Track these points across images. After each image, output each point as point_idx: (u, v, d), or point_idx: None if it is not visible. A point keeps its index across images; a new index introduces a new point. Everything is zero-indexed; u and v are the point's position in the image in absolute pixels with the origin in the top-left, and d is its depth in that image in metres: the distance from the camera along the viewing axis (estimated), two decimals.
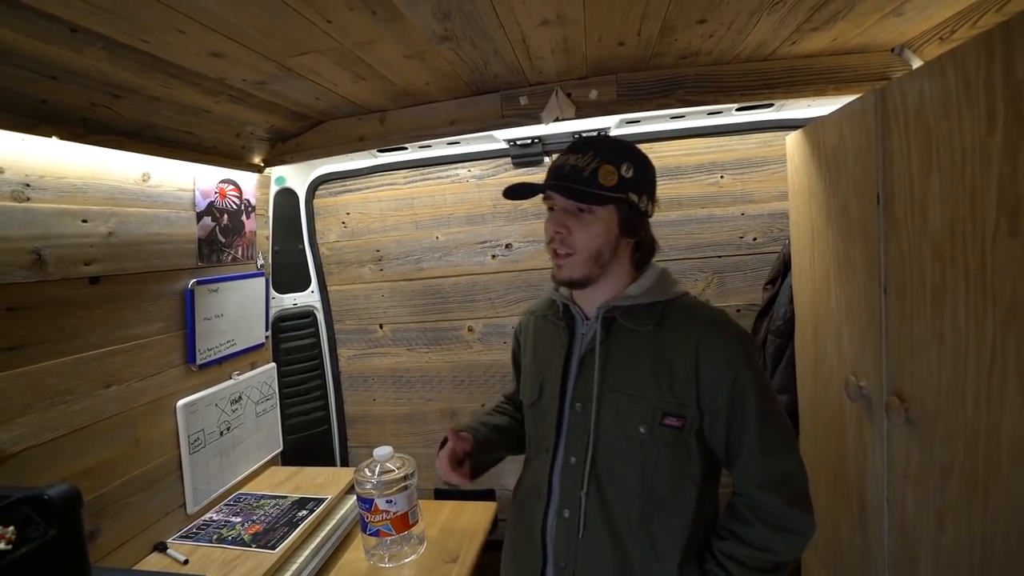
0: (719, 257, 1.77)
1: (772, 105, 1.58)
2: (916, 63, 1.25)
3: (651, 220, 0.94)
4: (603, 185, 0.84)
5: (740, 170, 1.73)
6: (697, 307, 0.90)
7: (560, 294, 0.98)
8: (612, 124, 1.68)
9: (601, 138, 0.93)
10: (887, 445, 1.02)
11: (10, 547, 0.68)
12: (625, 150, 0.89)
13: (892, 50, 1.28)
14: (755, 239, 1.75)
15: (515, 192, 0.91)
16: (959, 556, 0.82)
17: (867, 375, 1.07)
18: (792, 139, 1.44)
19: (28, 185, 1.01)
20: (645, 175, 0.90)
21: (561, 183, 0.86)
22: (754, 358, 0.85)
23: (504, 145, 1.80)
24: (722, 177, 1.74)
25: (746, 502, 0.83)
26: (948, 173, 0.77)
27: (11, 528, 0.70)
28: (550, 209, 0.91)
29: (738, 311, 1.78)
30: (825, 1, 0.99)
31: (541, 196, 0.91)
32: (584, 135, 1.71)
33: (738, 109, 1.60)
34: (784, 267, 1.59)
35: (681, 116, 1.66)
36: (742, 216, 1.75)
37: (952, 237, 0.78)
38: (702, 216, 1.76)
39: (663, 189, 1.75)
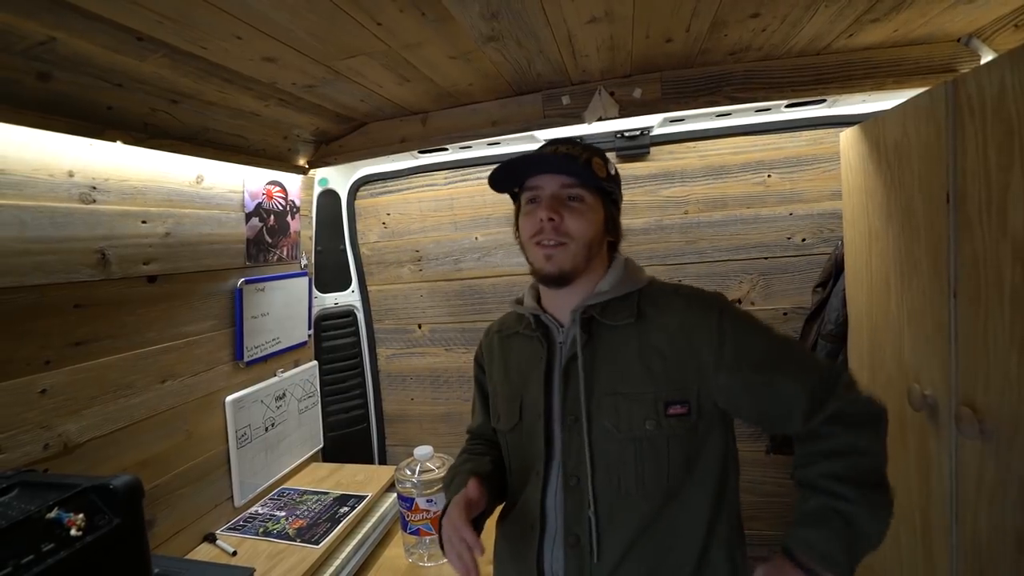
0: (765, 259, 1.71)
1: (824, 101, 1.52)
2: (986, 53, 1.18)
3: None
4: (597, 175, 0.83)
5: (789, 169, 1.67)
6: (668, 288, 0.87)
7: (526, 306, 0.92)
8: (656, 123, 1.65)
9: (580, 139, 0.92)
10: (955, 458, 0.96)
11: (80, 533, 0.72)
12: (604, 153, 0.89)
13: (959, 40, 1.21)
14: (804, 240, 1.69)
15: (502, 179, 0.87)
16: None
17: (932, 383, 1.01)
18: (847, 136, 1.38)
19: (95, 188, 1.06)
20: (619, 179, 0.91)
21: (560, 165, 0.83)
22: (735, 308, 0.82)
23: None
24: (769, 176, 1.69)
25: (817, 424, 0.76)
26: None
27: (80, 515, 0.73)
28: (529, 201, 0.85)
29: (784, 314, 1.72)
30: None
31: (509, 193, 0.91)
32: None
33: (788, 106, 1.55)
34: (836, 269, 1.52)
35: (727, 114, 1.61)
36: (790, 216, 1.69)
37: None
38: (748, 216, 1.71)
39: (707, 188, 1.73)
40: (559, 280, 0.83)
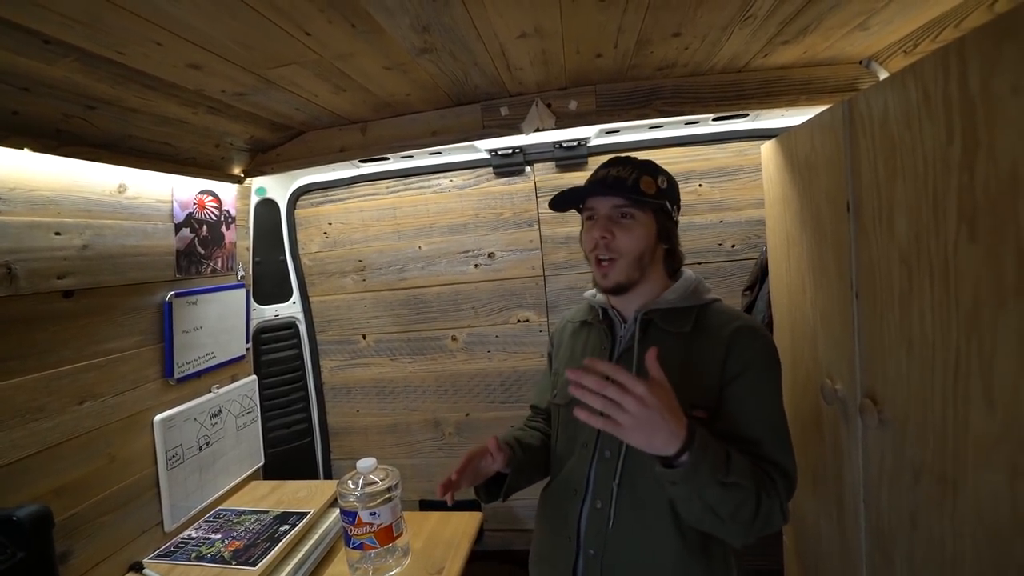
0: (698, 264, 1.80)
1: (747, 115, 1.62)
2: (883, 75, 1.30)
3: None
4: (645, 193, 0.93)
5: (718, 178, 1.77)
6: (730, 311, 0.98)
7: (598, 299, 1.06)
8: (592, 134, 1.71)
9: (633, 157, 1.03)
10: (862, 447, 1.04)
11: None
12: (656, 167, 1.00)
13: (860, 62, 1.33)
14: (733, 246, 1.78)
15: (562, 201, 1.01)
16: (931, 555, 0.84)
17: (842, 378, 1.10)
18: (766, 148, 1.48)
19: None
20: (675, 187, 1.03)
21: (610, 189, 0.94)
22: (775, 355, 0.92)
23: (486, 155, 1.81)
24: (700, 185, 1.78)
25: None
26: (912, 182, 0.80)
27: None
28: (588, 219, 0.99)
29: None
30: (794, 16, 1.03)
31: (575, 208, 1.04)
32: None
33: (715, 119, 1.64)
34: (762, 273, 1.62)
35: (659, 126, 1.69)
36: (720, 224, 1.78)
37: (917, 243, 0.80)
38: (682, 224, 1.74)
39: None
40: (615, 291, 0.97)
